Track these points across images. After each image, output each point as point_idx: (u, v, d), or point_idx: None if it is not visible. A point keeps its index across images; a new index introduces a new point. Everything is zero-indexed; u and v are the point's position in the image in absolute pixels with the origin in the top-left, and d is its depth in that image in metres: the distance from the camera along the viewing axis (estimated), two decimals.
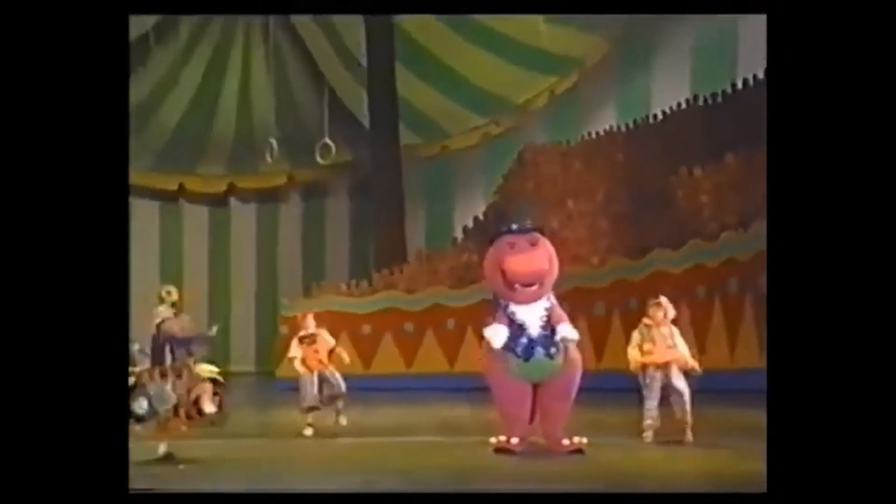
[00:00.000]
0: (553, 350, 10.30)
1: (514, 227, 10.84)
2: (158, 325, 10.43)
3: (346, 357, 13.62)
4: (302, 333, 13.30)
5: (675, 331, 11.40)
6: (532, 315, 10.34)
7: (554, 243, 11.06)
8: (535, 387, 10.42)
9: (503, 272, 10.47)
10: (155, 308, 10.58)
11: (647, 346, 11.24)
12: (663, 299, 11.52)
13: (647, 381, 11.20)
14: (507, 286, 10.45)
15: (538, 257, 10.51)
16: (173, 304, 10.59)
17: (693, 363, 11.31)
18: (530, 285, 10.36)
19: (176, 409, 10.29)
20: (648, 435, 11.17)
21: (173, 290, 10.94)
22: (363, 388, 13.71)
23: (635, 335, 11.39)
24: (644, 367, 11.25)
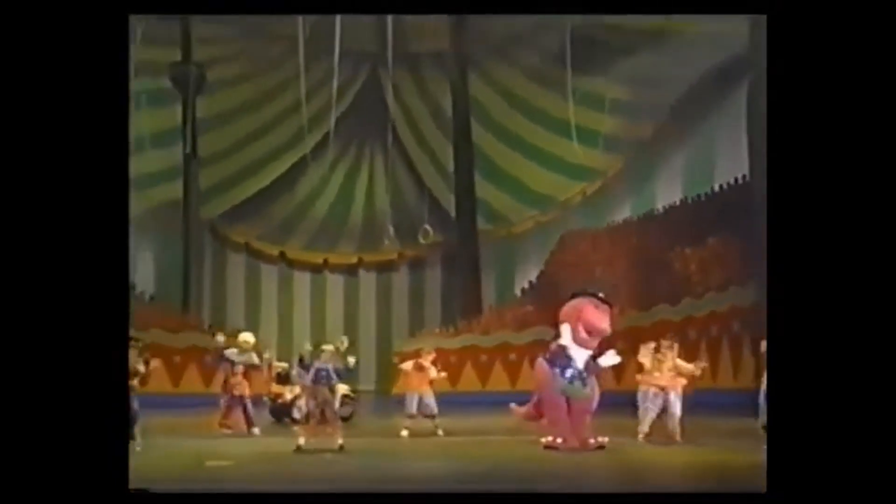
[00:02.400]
0: (585, 381, 10.28)
1: (601, 294, 10.72)
2: (319, 356, 10.59)
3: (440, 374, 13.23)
4: (419, 361, 12.93)
5: (678, 361, 11.32)
6: (581, 354, 10.30)
7: None
8: (567, 402, 10.37)
9: (581, 318, 10.27)
10: (323, 344, 10.83)
11: (656, 374, 11.21)
12: (664, 343, 11.52)
13: (647, 399, 11.16)
14: (578, 328, 10.25)
15: (608, 322, 10.36)
16: (337, 348, 10.78)
17: (692, 367, 11.26)
18: (593, 337, 10.26)
19: (316, 414, 10.40)
20: (640, 436, 11.07)
21: (345, 339, 11.21)
22: (451, 403, 13.65)
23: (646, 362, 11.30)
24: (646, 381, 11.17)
